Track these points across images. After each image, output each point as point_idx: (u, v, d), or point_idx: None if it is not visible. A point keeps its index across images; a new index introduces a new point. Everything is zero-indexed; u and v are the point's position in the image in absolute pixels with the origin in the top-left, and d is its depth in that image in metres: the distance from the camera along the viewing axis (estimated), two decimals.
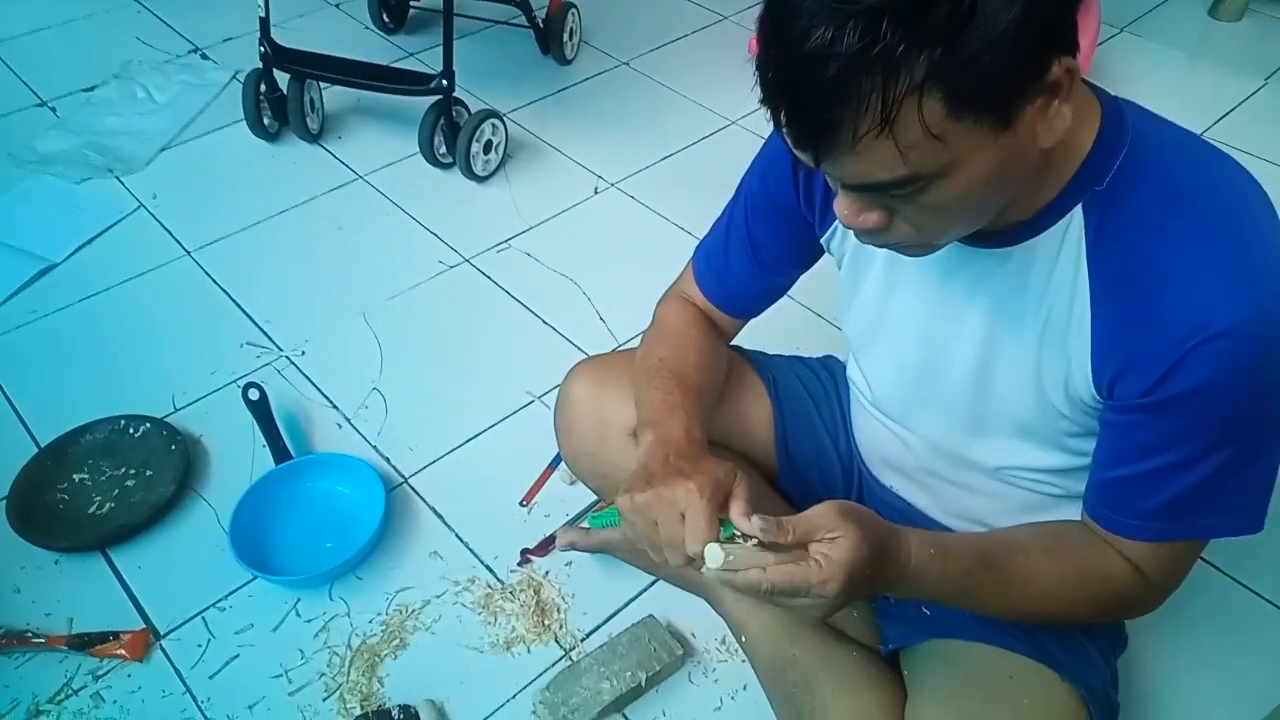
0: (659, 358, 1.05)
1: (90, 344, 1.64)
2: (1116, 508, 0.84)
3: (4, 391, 1.56)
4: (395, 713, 1.12)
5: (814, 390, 1.20)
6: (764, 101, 0.67)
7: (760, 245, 1.04)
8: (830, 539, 0.76)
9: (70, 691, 1.17)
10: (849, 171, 0.67)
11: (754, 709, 1.13)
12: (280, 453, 1.40)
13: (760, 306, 1.12)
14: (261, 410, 1.44)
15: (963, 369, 0.90)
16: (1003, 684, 0.92)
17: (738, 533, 0.80)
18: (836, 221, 0.95)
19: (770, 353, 1.23)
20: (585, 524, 1.24)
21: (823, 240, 0.99)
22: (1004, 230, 0.80)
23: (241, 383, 1.48)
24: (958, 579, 0.84)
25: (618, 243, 1.86)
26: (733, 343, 1.19)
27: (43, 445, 1.44)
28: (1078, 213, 0.77)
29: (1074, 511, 0.92)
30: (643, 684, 1.13)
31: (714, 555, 0.76)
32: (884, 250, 0.92)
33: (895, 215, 0.72)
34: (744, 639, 1.16)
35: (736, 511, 0.82)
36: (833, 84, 0.61)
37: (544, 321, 1.69)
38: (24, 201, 1.93)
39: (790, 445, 1.17)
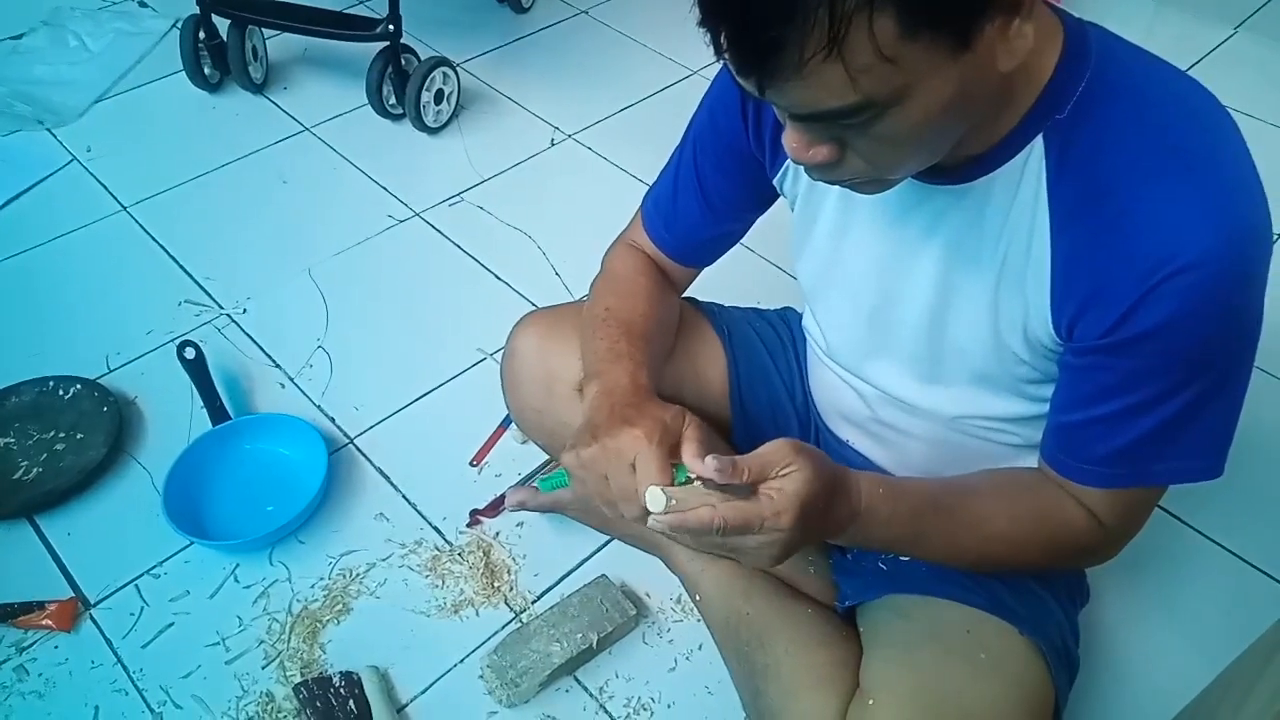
0: (605, 307, 1.00)
1: (18, 303, 1.56)
2: (1073, 453, 0.81)
3: None
4: (337, 680, 1.07)
5: (770, 342, 1.16)
6: (703, 23, 0.62)
7: (710, 188, 0.99)
8: (783, 474, 0.73)
9: None
10: (796, 100, 0.62)
11: (709, 669, 1.10)
12: (218, 413, 1.34)
13: (712, 254, 1.07)
14: (198, 369, 1.37)
15: (917, 313, 0.86)
16: (959, 637, 0.89)
17: (692, 476, 0.76)
18: (787, 161, 0.91)
19: (725, 305, 1.19)
20: (536, 485, 1.20)
21: (775, 181, 0.94)
22: (960, 165, 0.75)
23: (179, 342, 1.41)
24: (907, 519, 0.82)
25: (575, 196, 1.79)
26: (687, 294, 1.15)
27: None
28: (1038, 143, 0.72)
29: (1034, 461, 0.88)
30: (594, 646, 1.09)
31: (655, 499, 0.72)
32: (837, 190, 0.88)
33: (847, 148, 0.67)
34: (698, 598, 1.12)
35: (689, 454, 0.78)
36: (775, 0, 0.56)
37: (497, 277, 1.63)
38: None
39: (745, 398, 1.13)
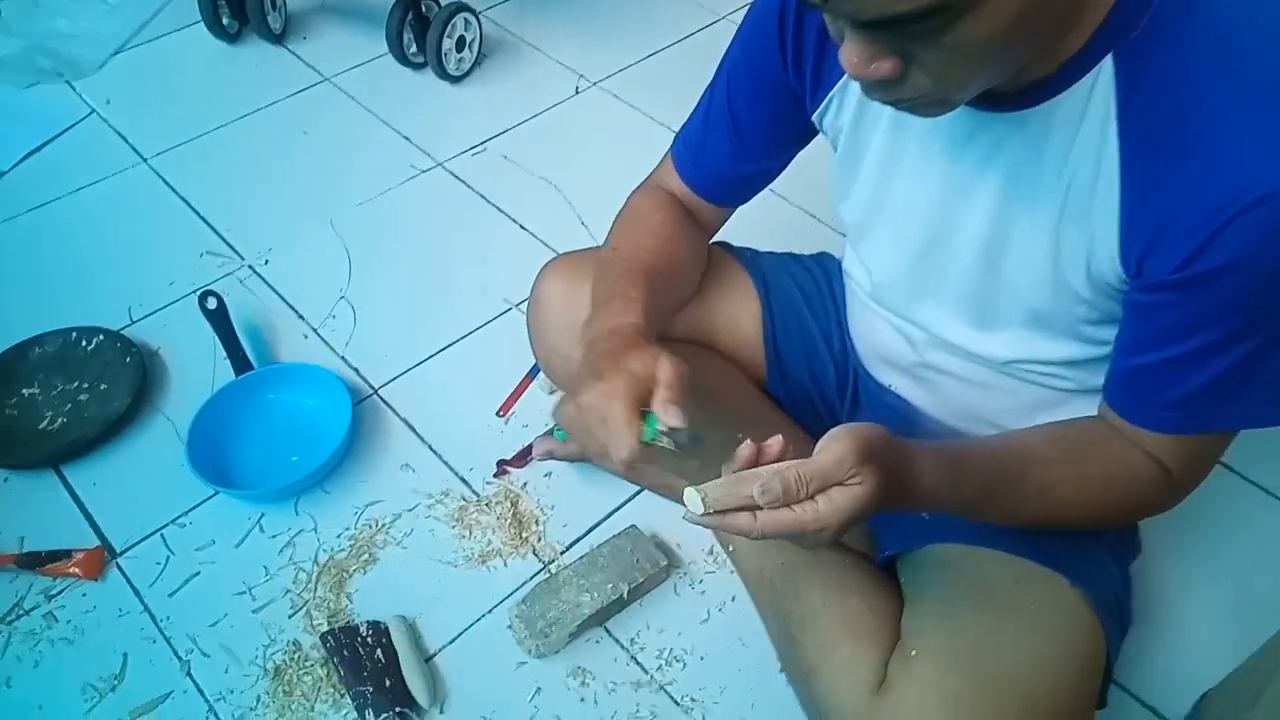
0: (613, 247, 0.97)
1: (40, 255, 1.55)
2: (1140, 398, 0.77)
3: None
4: (364, 629, 1.06)
5: (807, 287, 1.11)
6: None
7: (743, 124, 0.94)
8: (847, 485, 0.67)
9: (21, 611, 1.11)
10: (866, 4, 0.57)
11: (743, 621, 1.08)
12: (241, 364, 1.32)
13: (744, 193, 1.03)
14: (220, 319, 1.35)
15: (971, 251, 0.81)
16: (1006, 589, 0.86)
17: (661, 428, 0.72)
18: (830, 95, 0.87)
19: (760, 250, 1.15)
20: (554, 434, 1.17)
21: (814, 116, 0.90)
22: (1022, 89, 0.70)
23: (201, 292, 1.38)
24: (972, 498, 0.78)
25: (600, 144, 1.75)
26: (721, 240, 1.11)
27: None
28: (1107, 64, 0.67)
29: (1087, 407, 0.85)
30: (624, 596, 1.07)
31: (693, 501, 0.68)
32: (885, 123, 0.83)
33: (911, 63, 0.62)
34: (731, 549, 1.10)
35: (658, 400, 0.74)
36: None
37: (521, 227, 1.59)
38: None
39: (780, 345, 1.09)
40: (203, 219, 1.61)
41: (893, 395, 1.02)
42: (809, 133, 0.94)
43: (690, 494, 0.68)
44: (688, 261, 1.02)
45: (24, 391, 1.32)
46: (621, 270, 0.92)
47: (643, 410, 0.74)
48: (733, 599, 1.11)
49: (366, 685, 1.00)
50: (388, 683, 1.01)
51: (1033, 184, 0.74)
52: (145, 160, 1.72)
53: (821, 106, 0.88)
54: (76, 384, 1.34)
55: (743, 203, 1.04)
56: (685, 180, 1.01)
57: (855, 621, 0.90)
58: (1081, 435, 0.82)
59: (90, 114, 1.81)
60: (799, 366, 1.10)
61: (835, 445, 0.67)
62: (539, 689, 1.04)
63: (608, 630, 1.08)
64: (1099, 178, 0.70)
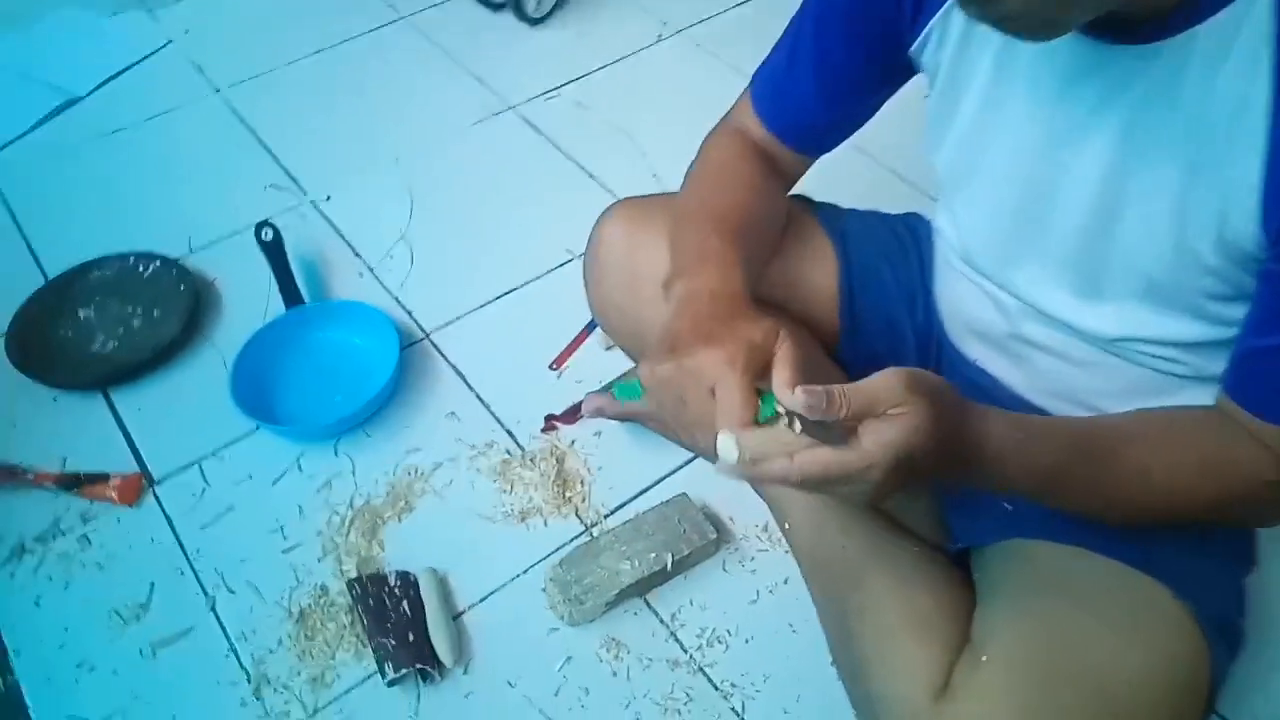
0: (698, 198, 0.88)
1: (108, 180, 1.54)
2: (1268, 385, 0.66)
3: (16, 223, 1.47)
4: (393, 579, 1.01)
5: (889, 248, 1.01)
6: None
7: (831, 59, 0.84)
8: (891, 414, 0.60)
9: (58, 532, 1.09)
10: None
11: (794, 605, 1.00)
12: (292, 297, 1.28)
13: (829, 139, 0.93)
14: (275, 251, 1.32)
15: (1079, 207, 0.71)
16: (1097, 595, 0.75)
17: (780, 409, 0.64)
18: (929, 26, 0.77)
19: (841, 206, 1.05)
20: (612, 391, 1.10)
21: (912, 51, 0.80)
22: (1153, 17, 0.60)
23: (258, 223, 1.35)
24: (1046, 472, 0.68)
25: (680, 94, 1.66)
26: (796, 192, 1.01)
27: (50, 279, 1.35)
28: None
29: (1202, 396, 0.74)
30: (668, 568, 0.99)
31: (727, 447, 0.61)
32: (989, 58, 0.73)
33: None
34: (787, 526, 1.01)
35: (779, 381, 0.65)
36: None
37: (590, 175, 1.52)
38: (52, 33, 1.81)
39: (856, 310, 0.99)
40: (269, 152, 1.57)
41: (977, 370, 0.92)
42: (904, 71, 0.84)
43: (725, 440, 0.61)
44: (774, 219, 0.93)
45: (80, 313, 1.31)
46: (713, 227, 0.83)
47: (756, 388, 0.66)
48: (785, 581, 1.03)
49: (389, 637, 0.95)
50: (411, 637, 0.96)
51: (1158, 130, 0.63)
52: (218, 91, 1.70)
53: (920, 39, 0.78)
54: (131, 309, 1.32)
55: (826, 150, 0.94)
56: (764, 120, 0.91)
57: (920, 617, 0.81)
58: (1188, 421, 0.72)
59: (168, 44, 1.80)
60: (875, 332, 1.00)
61: (882, 374, 0.61)
62: (569, 658, 0.97)
63: (647, 602, 1.01)
64: (1242, 124, 0.59)
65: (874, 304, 0.99)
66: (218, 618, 1.02)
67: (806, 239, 1.00)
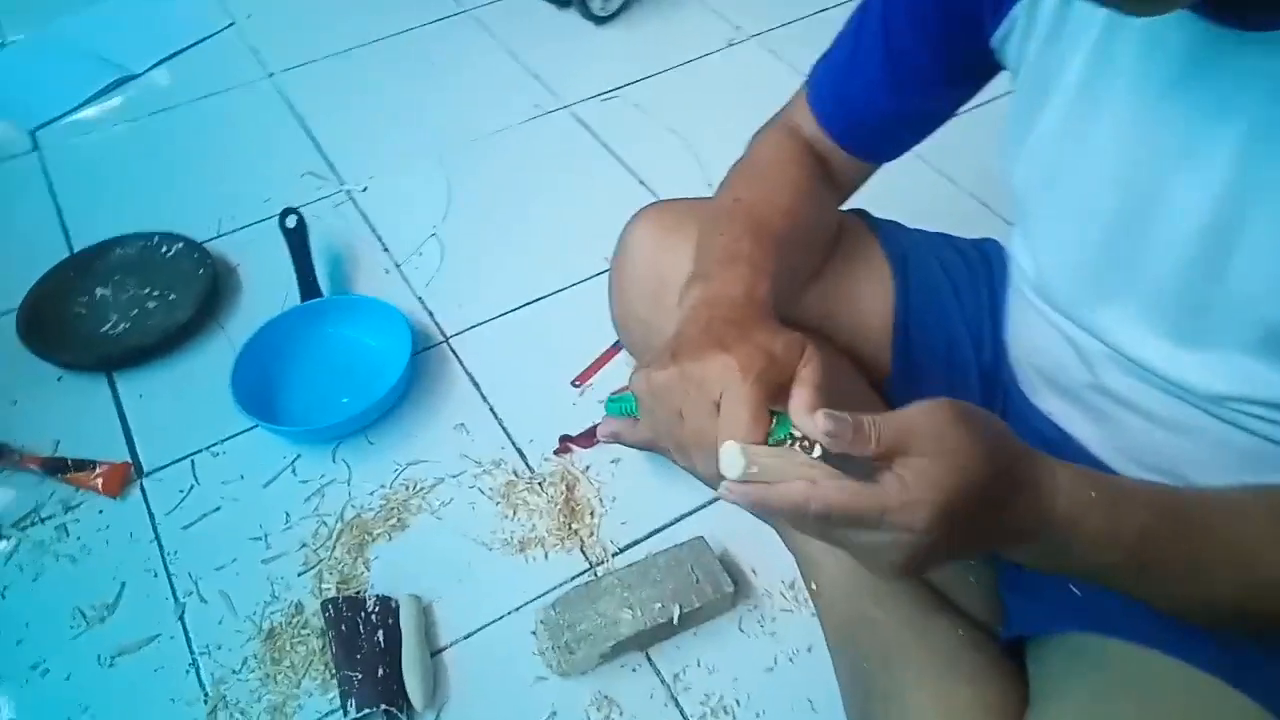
0: (735, 197, 0.77)
1: (149, 157, 1.51)
2: None
3: (53, 194, 1.44)
4: (371, 604, 0.91)
5: (957, 274, 0.88)
6: None
7: (901, 51, 0.72)
8: (933, 453, 0.48)
9: (37, 519, 1.03)
10: None
11: (817, 679, 0.87)
12: (309, 289, 1.20)
13: (891, 143, 0.80)
14: (297, 240, 1.25)
15: (1186, 234, 0.57)
16: (1177, 710, 0.61)
17: (795, 433, 0.52)
18: (1014, 12, 0.64)
19: (906, 225, 0.92)
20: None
21: (994, 41, 0.67)
22: None
23: (283, 209, 1.28)
24: (1128, 544, 0.54)
25: (746, 103, 1.51)
26: (854, 206, 0.89)
27: (73, 254, 1.31)
28: None
29: None
30: (674, 621, 0.88)
31: (731, 460, 0.49)
32: (1085, 51, 0.60)
33: None
34: (814, 586, 0.88)
35: (798, 401, 0.53)
36: None
37: (640, 182, 1.42)
38: (118, 10, 1.80)
39: (912, 342, 0.86)
40: (312, 139, 1.52)
41: (1050, 424, 0.78)
42: (984, 66, 0.71)
43: (729, 451, 0.49)
44: (820, 230, 0.82)
45: (97, 291, 1.26)
46: (747, 228, 0.72)
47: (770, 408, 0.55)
48: (809, 649, 0.90)
49: (357, 670, 0.86)
50: (381, 672, 0.86)
51: None
52: (271, 75, 1.65)
53: (1003, 27, 0.65)
54: (148, 290, 1.26)
55: (888, 157, 0.82)
56: (821, 120, 0.80)
57: (956, 713, 0.68)
58: None
59: (230, 25, 1.77)
60: (932, 371, 0.87)
61: (926, 403, 0.50)
62: (553, 713, 0.86)
63: (649, 658, 0.90)
64: None
65: (933, 338, 0.86)
66: (185, 628, 0.94)
67: (859, 257, 0.87)
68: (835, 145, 0.80)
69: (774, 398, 0.55)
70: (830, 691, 0.82)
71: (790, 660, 0.89)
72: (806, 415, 0.52)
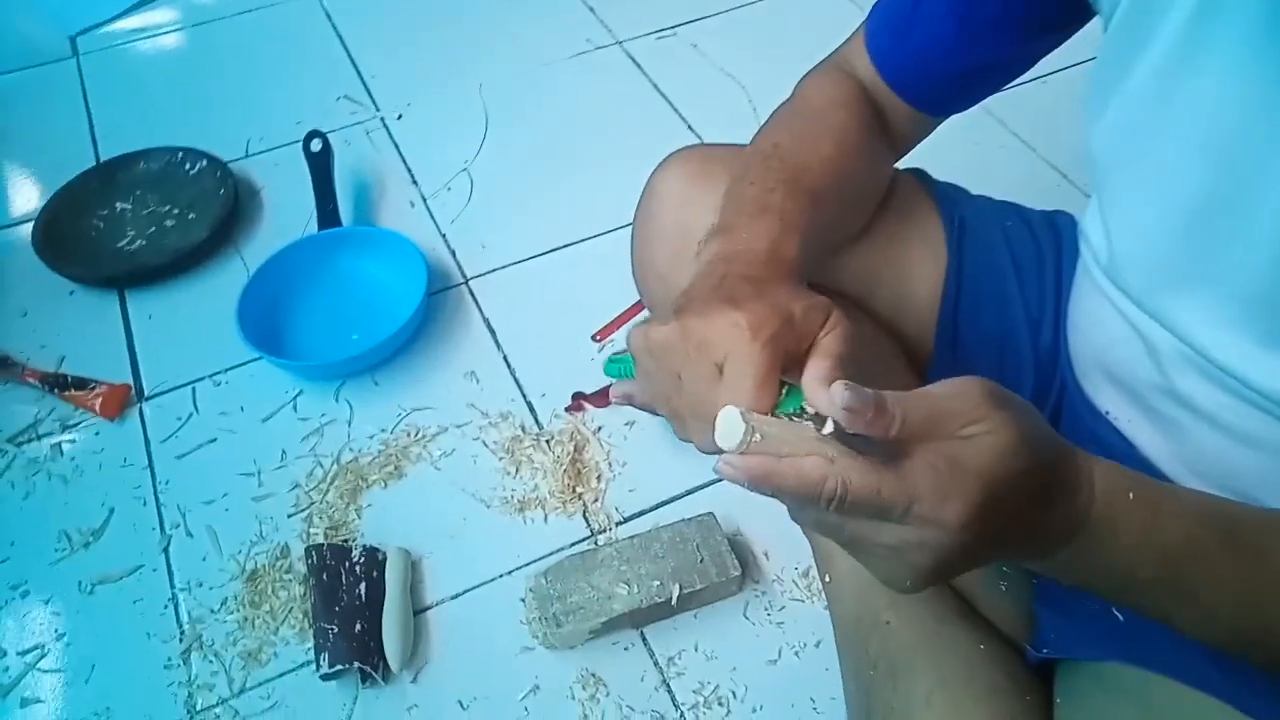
0: (773, 143, 0.68)
1: (186, 70, 1.46)
2: None
3: (86, 103, 1.40)
4: (357, 554, 0.87)
5: (1021, 248, 0.78)
6: None
7: None
8: (964, 434, 0.41)
9: (34, 435, 1.01)
10: None
11: (823, 676, 0.80)
12: (328, 218, 1.15)
13: (961, 95, 0.71)
14: (320, 165, 1.19)
15: None
16: None
17: (807, 407, 0.44)
18: None
19: (968, 190, 0.82)
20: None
21: None
22: None
23: (307, 132, 1.22)
24: (1172, 554, 0.46)
25: (812, 47, 1.41)
26: (910, 166, 0.80)
27: (97, 165, 1.27)
28: None
29: None
30: (672, 601, 0.81)
31: (729, 428, 0.41)
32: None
33: None
34: (828, 578, 0.81)
35: (813, 373, 0.46)
36: None
37: (689, 126, 1.33)
38: None
39: (961, 323, 0.77)
40: (352, 60, 1.45)
41: (1108, 427, 0.69)
42: (1072, 8, 0.61)
43: (729, 416, 0.41)
44: (867, 187, 0.73)
45: (117, 205, 1.22)
46: (782, 178, 0.63)
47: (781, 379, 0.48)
48: (817, 644, 0.83)
49: (333, 623, 0.81)
50: (359, 627, 0.81)
51: None
52: None
53: None
54: (168, 207, 1.22)
55: (954, 110, 0.72)
56: (878, 63, 0.70)
57: None
58: None
59: None
60: (982, 356, 0.78)
61: (957, 381, 0.43)
62: (536, 687, 0.81)
63: (644, 638, 0.84)
64: None
65: (985, 317, 0.77)
66: (168, 561, 0.91)
67: (910, 220, 0.78)
68: (894, 94, 0.70)
69: (787, 368, 0.48)
70: (836, 691, 0.76)
71: (796, 654, 0.82)
72: (821, 386, 0.43)
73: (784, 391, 0.46)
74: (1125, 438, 0.67)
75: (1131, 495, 0.45)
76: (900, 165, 0.77)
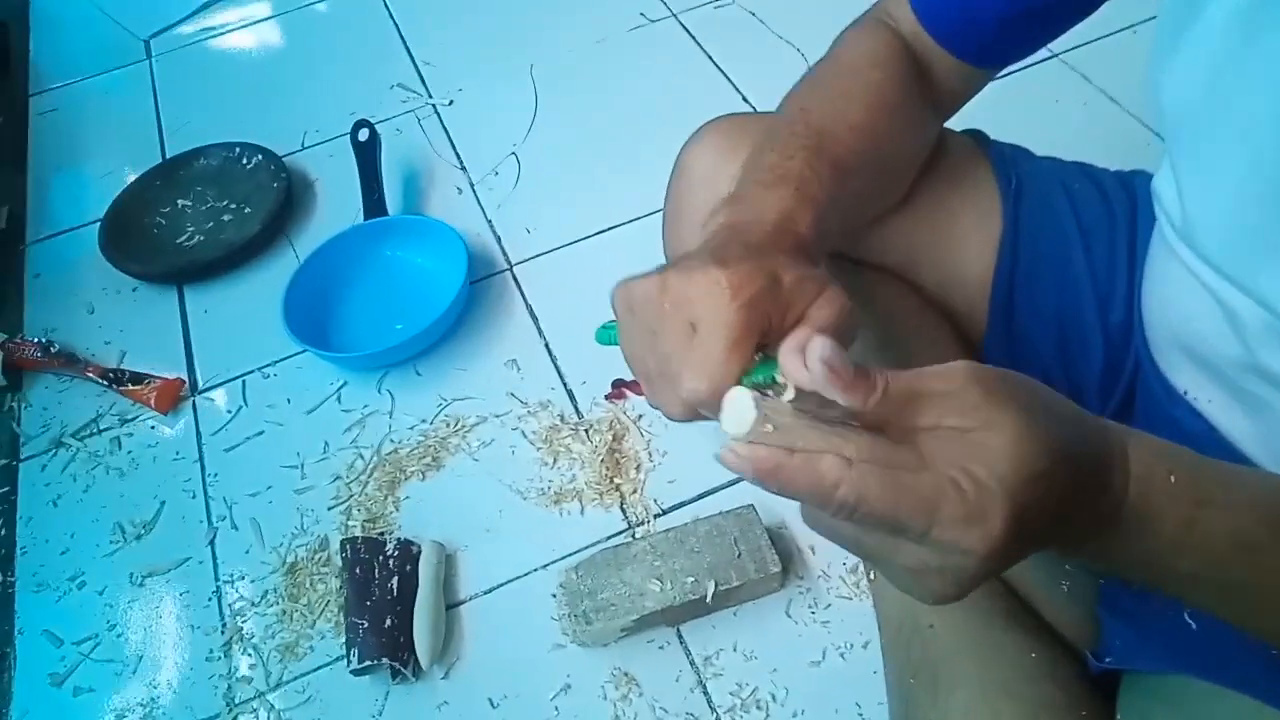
0: (800, 106, 0.62)
1: (250, 66, 1.48)
2: None
3: (156, 102, 1.44)
4: (391, 547, 0.85)
5: (1089, 212, 0.70)
6: None
7: None
8: (966, 428, 0.35)
9: (96, 430, 1.03)
10: None
11: (870, 680, 0.74)
12: (374, 207, 1.14)
13: (1010, 42, 0.63)
14: (367, 154, 1.18)
15: None
16: None
17: (780, 379, 0.39)
18: None
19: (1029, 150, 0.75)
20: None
21: None
22: None
23: (356, 121, 1.21)
24: (1219, 542, 0.40)
25: None
26: (969, 127, 0.73)
27: (161, 163, 1.30)
28: None
29: None
30: (708, 598, 0.77)
31: (741, 409, 0.36)
32: None
33: None
34: (873, 575, 0.76)
35: (792, 341, 0.39)
36: None
37: (745, 99, 1.27)
38: None
39: (1017, 294, 0.70)
40: (406, 48, 1.45)
41: (1186, 408, 0.61)
42: None
43: (740, 397, 0.37)
44: (907, 152, 0.66)
45: (179, 202, 1.25)
46: (805, 145, 0.57)
47: (761, 349, 0.43)
48: (865, 645, 0.77)
49: (364, 618, 0.80)
50: (389, 622, 0.80)
51: None
52: None
53: None
54: (225, 202, 1.24)
55: (1006, 61, 0.65)
56: (920, 11, 0.64)
57: None
58: None
59: None
60: (1042, 333, 0.70)
61: (946, 365, 0.37)
62: (568, 686, 0.78)
63: (680, 635, 0.80)
64: None
65: (1045, 289, 0.69)
66: (214, 553, 0.92)
67: (961, 184, 0.71)
68: (938, 46, 0.64)
69: (771, 339, 0.43)
70: (883, 696, 0.71)
71: (841, 656, 0.77)
72: (796, 354, 0.38)
73: (758, 360, 0.42)
74: (1206, 420, 0.60)
75: (1173, 479, 0.38)
76: (957, 128, 0.70)
